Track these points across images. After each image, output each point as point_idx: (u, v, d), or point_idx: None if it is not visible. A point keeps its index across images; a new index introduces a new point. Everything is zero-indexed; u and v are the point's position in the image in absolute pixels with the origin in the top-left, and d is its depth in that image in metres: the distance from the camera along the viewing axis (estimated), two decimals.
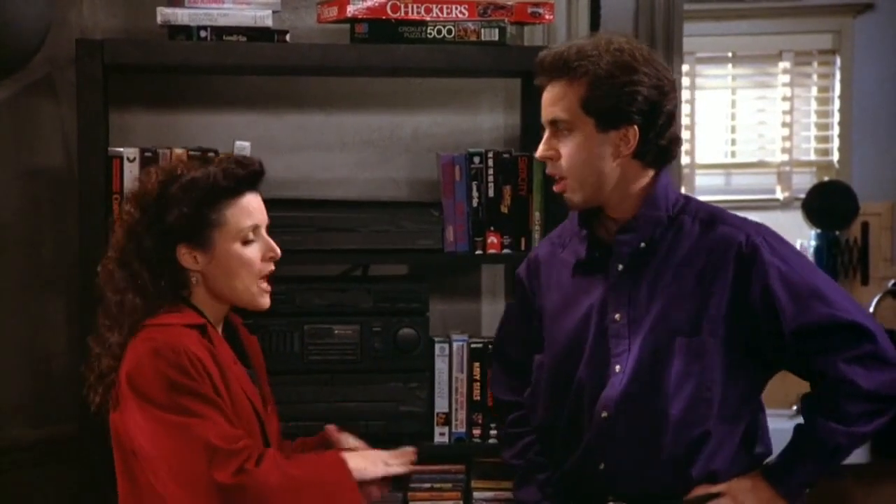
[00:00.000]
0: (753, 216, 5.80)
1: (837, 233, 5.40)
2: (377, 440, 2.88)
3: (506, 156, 2.99)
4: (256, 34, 2.83)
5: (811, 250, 5.42)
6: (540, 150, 2.32)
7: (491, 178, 2.98)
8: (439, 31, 2.89)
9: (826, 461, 2.29)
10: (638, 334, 2.28)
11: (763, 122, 5.59)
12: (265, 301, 2.25)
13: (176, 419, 2.08)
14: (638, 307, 2.30)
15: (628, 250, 2.32)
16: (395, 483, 2.35)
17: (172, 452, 2.08)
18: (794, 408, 5.26)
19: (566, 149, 2.28)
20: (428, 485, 2.91)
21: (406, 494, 2.91)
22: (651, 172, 2.32)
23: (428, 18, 2.88)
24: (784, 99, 5.53)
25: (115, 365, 2.16)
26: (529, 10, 2.95)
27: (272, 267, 2.25)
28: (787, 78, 5.53)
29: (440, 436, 2.94)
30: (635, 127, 2.26)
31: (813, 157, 5.58)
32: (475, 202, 2.97)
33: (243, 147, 2.82)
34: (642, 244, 2.32)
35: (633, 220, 2.31)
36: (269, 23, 2.84)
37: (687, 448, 2.27)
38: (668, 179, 2.37)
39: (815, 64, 5.54)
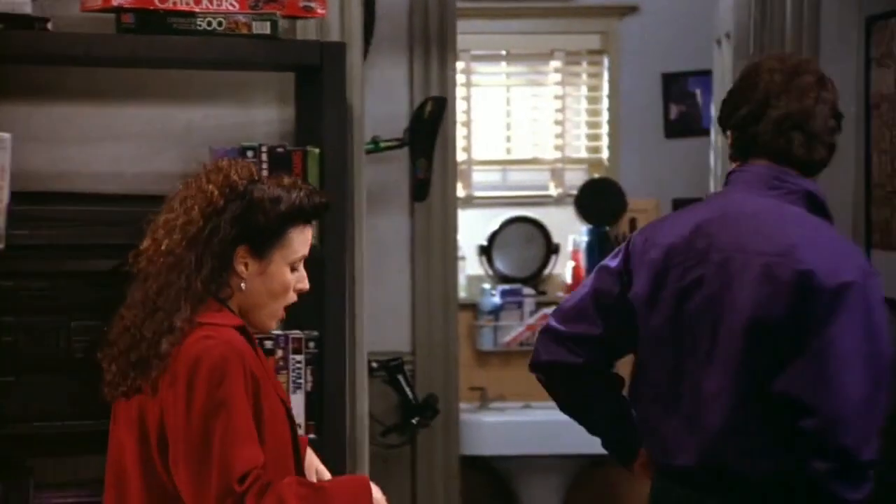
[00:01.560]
0: (528, 212, 5.98)
1: (607, 228, 5.57)
2: None
3: (280, 150, 2.98)
4: (15, 21, 2.73)
5: (583, 246, 5.58)
6: None
7: (265, 173, 2.96)
8: (209, 23, 2.86)
9: None
10: None
11: (536, 120, 5.71)
12: (274, 326, 2.32)
13: (219, 434, 2.10)
14: None
15: None
16: None
17: (198, 462, 2.11)
18: None
19: None
20: None
21: None
22: None
23: (197, 10, 2.84)
24: (556, 97, 5.67)
25: (170, 350, 2.15)
26: (301, 4, 2.95)
27: (296, 298, 2.30)
28: (558, 77, 5.67)
29: None
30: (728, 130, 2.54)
31: (584, 154, 5.73)
32: None
33: (2, 139, 2.73)
34: None
35: None
36: (27, 10, 2.74)
37: None
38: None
39: (585, 64, 5.70)
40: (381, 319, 4.28)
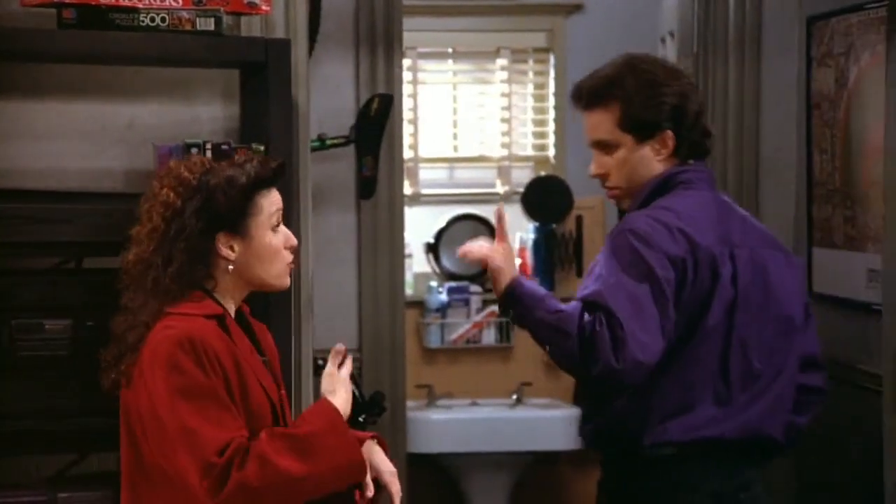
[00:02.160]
0: (476, 209, 5.98)
1: (554, 226, 5.59)
2: (93, 437, 2.84)
3: (224, 147, 2.96)
4: None
5: (530, 243, 5.60)
6: (592, 170, 2.73)
7: None
8: (153, 20, 2.83)
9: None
10: None
11: (483, 118, 5.72)
12: (288, 282, 2.38)
13: (180, 418, 2.16)
14: None
15: None
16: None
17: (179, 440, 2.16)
18: (514, 397, 5.44)
19: (612, 164, 2.68)
20: None
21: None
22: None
23: (140, 6, 2.81)
24: (503, 95, 5.69)
25: (141, 341, 2.23)
26: (246, 0, 2.94)
27: (292, 256, 2.38)
28: (504, 75, 5.68)
29: None
30: (669, 131, 2.65)
31: (531, 152, 5.75)
32: None
33: None
34: None
35: None
36: None
37: None
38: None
39: (531, 61, 5.72)
40: (328, 317, 4.27)
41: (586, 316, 2.50)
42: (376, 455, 2.38)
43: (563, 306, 2.56)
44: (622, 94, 2.65)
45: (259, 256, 2.33)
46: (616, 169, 2.68)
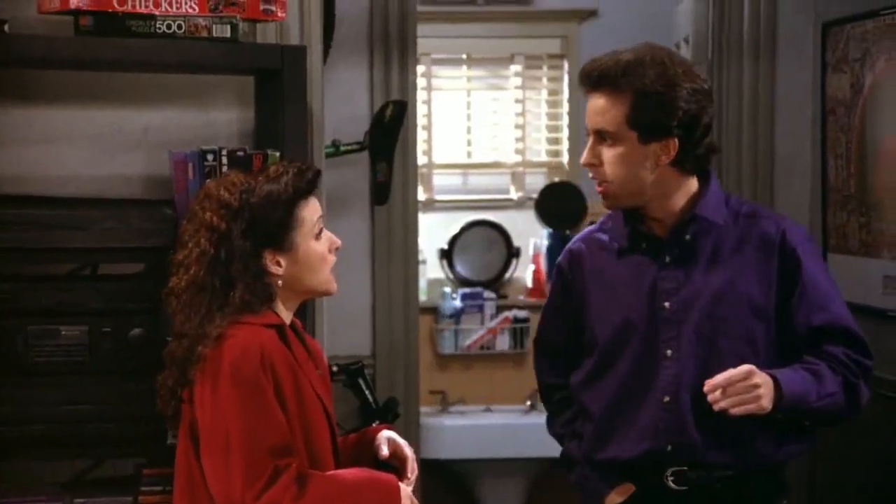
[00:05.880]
0: (489, 215, 5.98)
1: (568, 232, 5.59)
2: (108, 443, 2.85)
3: (240, 153, 2.97)
4: None
5: (544, 249, 5.59)
6: (585, 158, 2.52)
7: None
8: (169, 26, 2.84)
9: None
10: (687, 321, 2.51)
11: (497, 124, 5.73)
12: (335, 286, 2.43)
13: (238, 420, 2.20)
14: (687, 296, 2.52)
15: (677, 244, 2.55)
16: None
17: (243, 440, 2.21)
18: (528, 403, 5.44)
19: (609, 158, 2.47)
20: (160, 487, 2.85)
21: (137, 497, 2.85)
22: (692, 178, 2.55)
23: (157, 13, 2.82)
24: (517, 101, 5.69)
25: (204, 353, 2.25)
26: (262, 7, 2.94)
27: (335, 258, 2.42)
28: (518, 81, 5.68)
29: (173, 437, 2.88)
30: (675, 139, 2.46)
31: (544, 158, 5.76)
32: None
33: None
34: (687, 237, 2.54)
35: (685, 220, 2.54)
36: None
37: (743, 423, 2.46)
38: (717, 183, 2.60)
39: (545, 67, 5.72)
40: (342, 323, 4.27)
41: (838, 367, 2.51)
42: (394, 432, 2.50)
43: (826, 385, 2.50)
44: (638, 86, 2.43)
45: (307, 267, 2.36)
46: (611, 164, 2.48)
